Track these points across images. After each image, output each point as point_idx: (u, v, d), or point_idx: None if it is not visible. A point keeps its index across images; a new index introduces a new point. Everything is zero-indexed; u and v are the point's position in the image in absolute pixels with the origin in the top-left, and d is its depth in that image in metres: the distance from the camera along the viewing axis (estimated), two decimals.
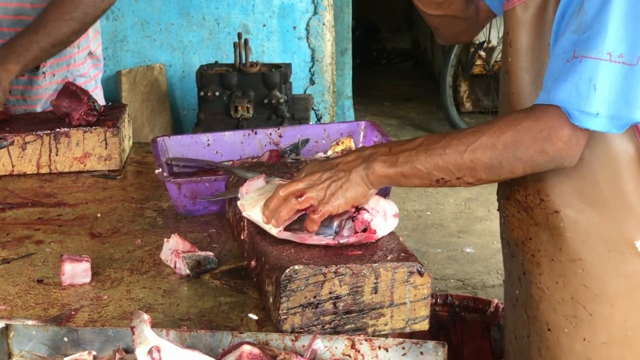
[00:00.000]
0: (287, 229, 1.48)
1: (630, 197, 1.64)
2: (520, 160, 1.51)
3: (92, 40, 2.59)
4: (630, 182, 1.63)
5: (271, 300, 1.42)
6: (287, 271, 1.37)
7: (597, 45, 1.43)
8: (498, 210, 1.90)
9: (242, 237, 1.60)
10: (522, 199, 1.75)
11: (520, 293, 1.86)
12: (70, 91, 2.22)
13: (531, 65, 1.65)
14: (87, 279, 1.60)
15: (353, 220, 1.48)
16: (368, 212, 1.51)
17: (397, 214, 1.54)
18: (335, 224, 1.49)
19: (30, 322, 1.43)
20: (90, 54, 2.59)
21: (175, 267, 1.63)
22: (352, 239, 1.46)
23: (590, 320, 1.71)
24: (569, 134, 1.47)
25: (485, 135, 1.50)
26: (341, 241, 1.46)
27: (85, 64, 2.55)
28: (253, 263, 1.55)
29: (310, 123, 3.96)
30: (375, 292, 1.43)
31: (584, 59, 1.44)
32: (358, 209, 1.49)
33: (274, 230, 1.47)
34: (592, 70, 1.42)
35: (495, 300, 2.58)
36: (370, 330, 1.45)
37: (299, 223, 1.48)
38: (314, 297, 1.40)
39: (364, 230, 1.49)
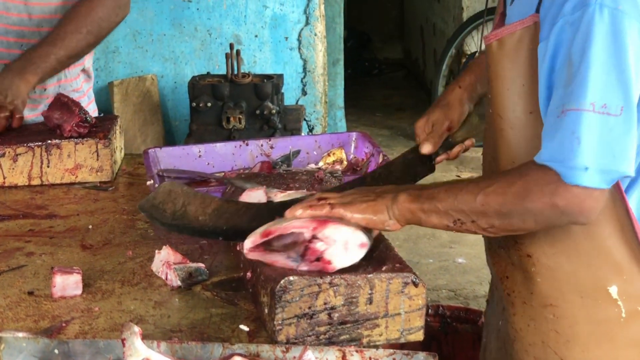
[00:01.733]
0: (261, 249, 1.45)
1: (605, 242, 1.58)
2: (530, 212, 1.45)
3: (87, 56, 2.61)
4: (605, 227, 1.56)
5: (266, 311, 1.40)
6: (282, 282, 1.34)
7: (580, 97, 1.37)
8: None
9: (237, 248, 1.57)
10: (498, 240, 1.70)
11: (502, 326, 1.81)
12: (62, 103, 2.20)
13: (511, 101, 1.61)
14: (78, 291, 1.56)
15: (305, 249, 1.43)
16: (322, 241, 1.43)
17: (364, 244, 1.46)
18: (301, 250, 1.43)
19: (20, 334, 1.35)
20: (83, 70, 2.59)
21: (166, 279, 1.59)
22: (304, 267, 1.41)
23: None
24: (576, 191, 1.40)
25: (497, 182, 1.48)
26: (299, 268, 1.42)
27: (78, 79, 2.55)
28: (249, 274, 1.53)
29: (302, 134, 3.95)
30: (370, 303, 1.40)
31: (568, 111, 1.38)
32: (313, 238, 1.43)
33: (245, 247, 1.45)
34: (575, 122, 1.36)
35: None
36: (365, 340, 1.41)
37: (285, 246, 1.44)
38: (309, 307, 1.37)
39: (318, 260, 1.42)
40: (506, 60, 1.56)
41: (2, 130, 2.17)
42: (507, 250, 1.66)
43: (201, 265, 1.61)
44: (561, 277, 1.61)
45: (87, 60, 2.63)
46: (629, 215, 1.55)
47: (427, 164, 1.83)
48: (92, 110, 2.60)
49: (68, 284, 1.54)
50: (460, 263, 4.13)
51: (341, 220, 1.46)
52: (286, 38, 4.40)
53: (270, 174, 1.93)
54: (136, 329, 1.26)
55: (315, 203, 1.49)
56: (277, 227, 1.44)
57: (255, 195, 1.63)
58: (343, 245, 1.42)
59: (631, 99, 1.38)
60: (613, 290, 1.58)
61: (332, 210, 1.47)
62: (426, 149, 1.82)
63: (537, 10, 1.49)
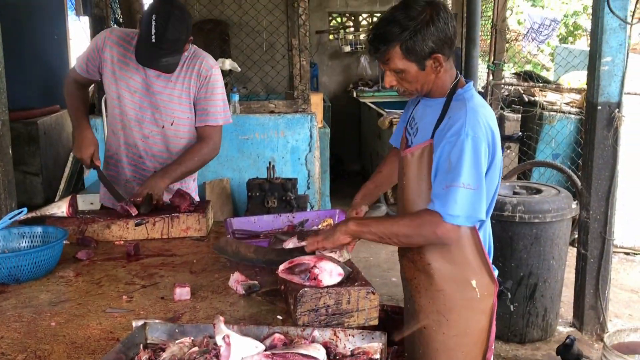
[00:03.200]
0: (287, 272, 1.91)
1: (468, 256, 2.11)
2: (422, 236, 2.01)
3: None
4: (468, 247, 2.10)
5: (292, 307, 1.84)
6: (300, 291, 1.80)
7: (457, 179, 1.93)
8: (399, 261, 2.35)
9: (276, 272, 1.99)
10: (411, 256, 2.20)
11: (410, 307, 2.28)
12: (180, 194, 2.71)
13: (417, 185, 2.13)
14: (188, 297, 1.98)
15: (309, 273, 1.87)
16: (318, 269, 1.86)
17: (341, 274, 1.87)
18: (308, 274, 1.88)
19: (157, 321, 1.72)
20: (194, 179, 3.13)
21: (236, 290, 2.02)
22: (307, 283, 1.84)
23: (447, 323, 2.15)
24: (449, 227, 1.95)
25: (405, 219, 2.05)
26: (305, 283, 1.84)
27: (189, 182, 3.06)
28: (282, 287, 1.97)
29: (308, 210, 4.81)
30: (349, 303, 1.83)
31: (451, 187, 1.93)
32: (314, 266, 1.87)
33: (279, 270, 1.94)
34: (454, 193, 1.93)
35: None
36: (345, 324, 1.82)
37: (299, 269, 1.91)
38: (315, 305, 1.80)
39: (314, 279, 1.85)
40: (414, 163, 2.11)
41: (152, 209, 2.64)
42: (414, 262, 2.16)
43: (255, 282, 2.03)
44: (446, 275, 2.12)
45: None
46: (479, 240, 2.09)
47: None
48: (195, 196, 3.05)
49: (183, 293, 1.97)
50: (393, 280, 4.98)
51: (330, 258, 1.93)
52: (298, 158, 5.54)
53: (293, 231, 2.36)
54: (221, 317, 1.65)
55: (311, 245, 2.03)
56: (296, 260, 1.95)
57: (291, 241, 2.08)
58: (329, 273, 1.87)
59: (482, 180, 1.95)
60: (473, 283, 2.12)
61: (317, 245, 1.99)
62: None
63: (432, 137, 2.05)
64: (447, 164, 1.96)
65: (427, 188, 2.08)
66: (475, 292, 2.13)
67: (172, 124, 2.89)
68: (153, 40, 2.56)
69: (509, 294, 4.03)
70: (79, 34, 10.35)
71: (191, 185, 3.07)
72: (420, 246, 2.13)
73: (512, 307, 4.08)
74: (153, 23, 2.56)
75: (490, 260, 2.17)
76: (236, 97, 5.68)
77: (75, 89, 3.01)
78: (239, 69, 6.28)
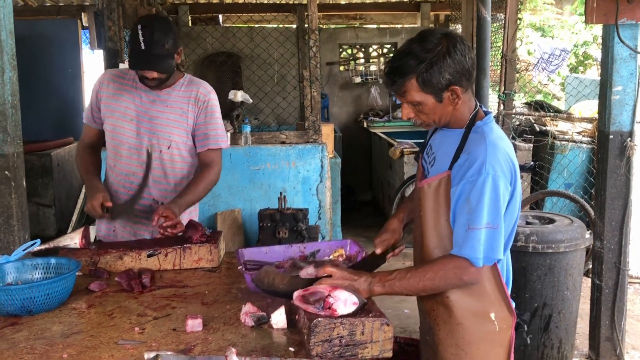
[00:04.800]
0: (302, 300, 1.91)
1: (487, 289, 2.11)
2: (449, 284, 2.03)
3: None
4: (487, 282, 2.10)
5: (305, 337, 1.85)
6: (314, 321, 1.82)
7: (480, 221, 1.94)
8: None
9: (291, 302, 2.01)
10: None
11: (429, 338, 2.26)
12: (192, 224, 2.73)
13: (433, 216, 2.13)
14: (200, 328, 1.98)
15: (323, 302, 1.88)
16: (333, 298, 1.88)
17: (356, 303, 1.88)
18: (322, 303, 1.89)
19: (169, 353, 1.79)
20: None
21: (245, 322, 2.03)
22: (321, 313, 1.85)
23: (466, 357, 2.14)
24: (474, 270, 1.98)
25: (430, 272, 2.00)
26: (320, 312, 1.85)
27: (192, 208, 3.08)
28: (297, 316, 1.98)
29: (319, 241, 4.81)
30: (363, 334, 1.84)
31: (474, 230, 1.95)
32: (328, 295, 1.88)
33: (294, 298, 1.94)
34: (478, 235, 1.94)
35: None
36: (359, 356, 1.83)
37: (313, 300, 1.92)
38: (329, 336, 1.81)
39: (329, 308, 1.86)
40: (431, 194, 2.10)
41: (173, 235, 2.70)
42: (433, 296, 2.14)
43: (264, 313, 2.02)
44: (465, 308, 2.11)
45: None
46: (498, 273, 2.10)
47: (383, 258, 2.36)
48: (195, 217, 3.13)
49: (194, 324, 1.97)
50: (405, 312, 4.94)
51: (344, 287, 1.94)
52: (310, 189, 5.52)
53: (305, 261, 2.36)
54: (233, 349, 1.76)
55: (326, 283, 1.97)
56: (311, 288, 1.96)
57: (307, 270, 2.07)
58: (343, 302, 1.88)
59: (501, 219, 1.96)
60: (492, 315, 2.10)
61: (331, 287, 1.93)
62: (379, 250, 2.35)
63: (450, 168, 2.04)
64: (467, 204, 1.96)
65: (444, 219, 2.08)
66: (494, 325, 2.12)
67: (169, 148, 2.95)
68: (143, 47, 2.72)
69: (525, 325, 3.99)
70: (93, 67, 10.52)
71: (191, 209, 3.10)
72: None
73: (528, 339, 4.03)
74: (140, 32, 2.73)
75: (509, 293, 2.17)
76: (248, 128, 5.73)
77: (86, 153, 3.10)
78: (251, 101, 6.34)
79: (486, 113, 2.15)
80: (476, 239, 1.93)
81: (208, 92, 3.00)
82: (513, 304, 2.17)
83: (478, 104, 2.15)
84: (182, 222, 2.77)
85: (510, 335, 2.15)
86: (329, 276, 2.01)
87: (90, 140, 3.11)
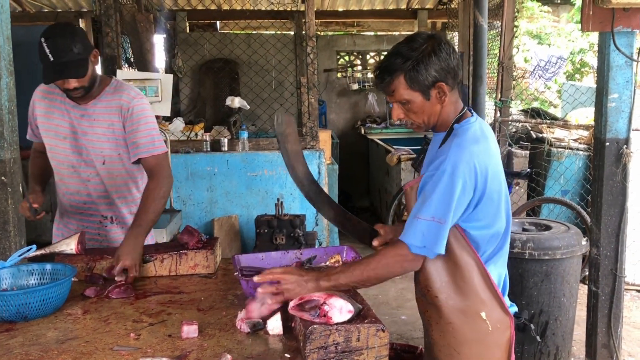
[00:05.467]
0: (297, 308, 1.94)
1: (476, 288, 2.11)
2: (392, 272, 2.07)
3: None
4: (475, 277, 2.11)
5: (301, 344, 1.84)
6: (309, 328, 1.81)
7: (426, 212, 2.01)
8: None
9: (287, 309, 2.02)
10: (420, 289, 2.22)
11: (426, 340, 2.30)
12: (188, 230, 2.71)
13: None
14: (196, 334, 1.97)
15: (319, 309, 1.90)
16: (328, 305, 1.90)
17: (351, 311, 1.90)
18: (318, 311, 1.91)
19: (164, 359, 1.78)
20: None
21: (241, 328, 2.03)
22: (316, 320, 1.86)
23: (459, 357, 2.15)
24: (412, 257, 2.04)
25: (373, 262, 2.06)
26: (315, 320, 1.87)
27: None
28: (293, 324, 1.97)
29: (316, 247, 4.71)
30: (358, 341, 1.83)
31: (419, 219, 2.01)
32: (324, 303, 1.90)
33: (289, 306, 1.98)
34: (422, 225, 2.01)
35: (420, 346, 2.96)
36: None
37: (308, 307, 1.94)
38: (324, 343, 1.80)
39: (324, 316, 1.88)
40: (413, 196, 2.15)
41: (122, 282, 2.45)
42: (424, 296, 2.17)
43: (260, 320, 2.01)
44: (455, 307, 2.12)
45: None
46: (486, 273, 2.10)
47: None
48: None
49: (190, 330, 1.97)
50: (403, 319, 4.95)
51: (342, 294, 1.96)
52: None
53: (301, 268, 2.27)
54: (228, 356, 1.75)
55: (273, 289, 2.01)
56: (306, 296, 1.97)
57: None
58: (339, 310, 1.89)
59: (449, 216, 1.99)
60: (483, 315, 2.11)
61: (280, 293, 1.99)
62: (375, 242, 2.36)
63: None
64: (422, 196, 2.05)
65: None
66: (486, 325, 2.12)
67: (103, 163, 2.86)
68: (52, 59, 2.58)
69: (531, 325, 3.96)
70: None
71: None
72: (428, 280, 2.14)
73: (538, 338, 4.01)
74: (45, 45, 2.58)
75: (505, 294, 2.18)
76: (245, 135, 5.73)
77: (35, 157, 3.06)
78: (248, 107, 6.34)
79: (473, 114, 2.18)
80: (419, 227, 2.00)
81: (131, 99, 2.84)
82: (514, 308, 2.19)
83: (466, 107, 2.19)
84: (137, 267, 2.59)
85: (509, 336, 2.15)
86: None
87: (41, 147, 3.02)
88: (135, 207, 2.86)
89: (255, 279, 2.07)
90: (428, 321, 2.23)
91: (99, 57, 2.83)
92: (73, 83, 2.67)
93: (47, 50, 2.57)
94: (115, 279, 2.48)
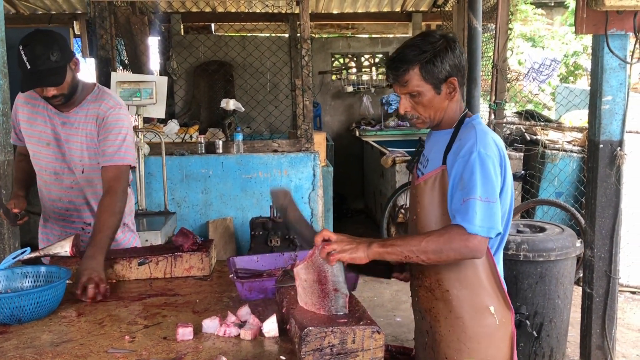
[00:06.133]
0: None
1: (484, 280, 2.13)
2: (453, 250, 1.98)
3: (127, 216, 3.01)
4: (483, 272, 2.13)
5: (297, 346, 1.83)
6: (305, 330, 1.80)
7: (472, 193, 1.98)
8: (411, 295, 2.35)
9: (282, 311, 2.06)
10: (428, 285, 2.21)
11: (428, 340, 2.28)
12: (183, 233, 2.69)
13: (431, 212, 2.17)
14: (191, 337, 1.97)
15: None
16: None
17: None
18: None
19: None
20: (124, 224, 3.00)
21: (225, 333, 2.00)
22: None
23: (468, 352, 2.16)
24: (475, 239, 1.96)
25: (433, 235, 2.00)
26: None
27: (124, 233, 3.02)
28: (288, 326, 1.97)
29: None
30: (354, 342, 1.82)
31: (468, 200, 1.98)
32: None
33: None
34: (473, 205, 1.97)
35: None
36: None
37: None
38: (320, 344, 1.79)
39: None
40: (427, 190, 2.15)
41: (94, 298, 2.32)
42: (432, 291, 2.17)
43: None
44: (465, 301, 2.14)
45: (128, 218, 3.02)
46: (494, 264, 2.12)
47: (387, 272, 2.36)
48: (136, 243, 3.05)
49: (185, 333, 1.96)
50: (398, 320, 4.98)
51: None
52: (302, 197, 5.55)
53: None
54: (224, 358, 1.75)
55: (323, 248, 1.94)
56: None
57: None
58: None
59: (496, 195, 1.99)
60: (491, 309, 2.13)
61: (332, 254, 1.92)
62: None
63: (444, 163, 2.11)
64: (461, 182, 2.03)
65: (441, 213, 2.13)
66: (494, 319, 2.14)
67: (82, 172, 2.85)
68: (29, 67, 2.56)
69: (527, 321, 3.97)
70: (84, 75, 10.49)
71: (126, 236, 3.04)
72: (439, 273, 2.15)
73: (535, 333, 4.01)
74: (22, 53, 2.57)
75: (505, 287, 2.19)
76: (240, 137, 5.73)
77: (18, 160, 3.06)
78: (243, 109, 6.34)
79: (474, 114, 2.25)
80: (470, 207, 1.96)
81: (109, 108, 2.82)
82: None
83: (466, 108, 2.26)
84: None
85: (512, 331, 2.18)
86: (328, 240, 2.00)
87: (24, 150, 3.02)
88: None
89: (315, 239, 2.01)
90: (435, 317, 2.23)
91: (79, 65, 2.80)
92: (51, 91, 2.66)
93: (25, 58, 2.56)
94: (82, 299, 2.35)
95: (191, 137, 6.22)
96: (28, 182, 3.02)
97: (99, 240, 2.56)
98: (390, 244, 2.00)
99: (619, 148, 3.93)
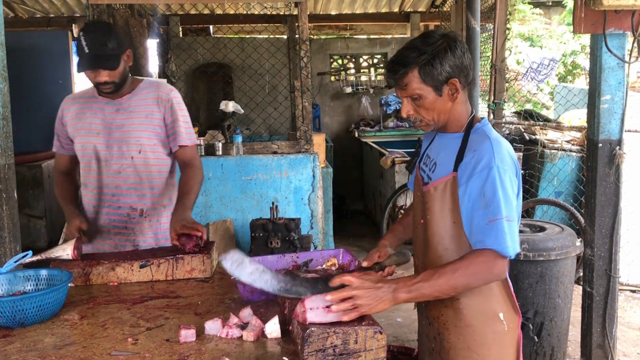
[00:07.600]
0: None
1: (494, 288, 2.13)
2: (480, 279, 1.99)
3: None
4: (494, 283, 2.12)
5: (299, 347, 1.84)
6: (307, 331, 1.80)
7: (498, 213, 1.95)
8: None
9: (284, 312, 2.06)
10: None
11: (435, 346, 2.25)
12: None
13: (441, 218, 2.13)
14: (193, 339, 1.97)
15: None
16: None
17: None
18: None
19: None
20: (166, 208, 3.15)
21: (227, 334, 1.99)
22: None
23: (479, 359, 2.14)
24: (502, 262, 1.97)
25: (460, 269, 1.95)
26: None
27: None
28: (291, 327, 1.96)
29: (312, 250, 4.81)
30: (356, 343, 1.81)
31: (495, 221, 1.94)
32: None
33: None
34: (501, 226, 1.94)
35: (416, 349, 2.87)
36: None
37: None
38: (322, 345, 1.79)
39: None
40: (438, 197, 2.12)
41: (195, 245, 2.66)
42: (441, 300, 2.12)
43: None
44: (475, 308, 2.11)
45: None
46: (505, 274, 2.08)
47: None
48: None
49: (188, 334, 1.96)
50: (398, 321, 4.97)
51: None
52: (302, 198, 5.55)
53: (299, 271, 2.33)
54: (226, 359, 1.77)
55: (345, 299, 1.86)
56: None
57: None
58: None
59: (514, 212, 1.97)
60: (501, 315, 2.11)
61: (355, 308, 1.86)
62: (365, 264, 2.31)
63: (455, 170, 2.06)
64: (482, 199, 1.98)
65: (452, 221, 2.10)
66: (503, 325, 2.12)
67: (139, 152, 2.98)
68: (87, 51, 2.78)
69: (530, 325, 3.98)
70: (83, 78, 10.49)
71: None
72: None
73: (536, 337, 4.02)
74: (82, 38, 2.79)
75: (513, 291, 2.17)
76: (239, 139, 5.74)
77: (61, 181, 3.15)
78: (242, 111, 6.35)
79: (481, 118, 2.20)
80: (500, 229, 1.93)
81: (170, 91, 3.03)
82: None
83: (473, 110, 2.20)
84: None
85: (518, 334, 2.16)
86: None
87: (64, 167, 3.16)
88: (164, 200, 3.06)
89: (330, 283, 1.96)
90: (444, 325, 2.19)
91: (132, 58, 3.00)
92: (104, 76, 2.85)
93: (84, 43, 2.77)
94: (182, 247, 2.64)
95: None
96: (76, 199, 3.13)
97: (186, 200, 2.87)
98: (416, 289, 1.94)
99: (618, 147, 3.93)
